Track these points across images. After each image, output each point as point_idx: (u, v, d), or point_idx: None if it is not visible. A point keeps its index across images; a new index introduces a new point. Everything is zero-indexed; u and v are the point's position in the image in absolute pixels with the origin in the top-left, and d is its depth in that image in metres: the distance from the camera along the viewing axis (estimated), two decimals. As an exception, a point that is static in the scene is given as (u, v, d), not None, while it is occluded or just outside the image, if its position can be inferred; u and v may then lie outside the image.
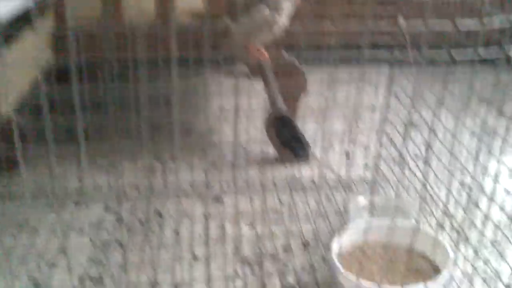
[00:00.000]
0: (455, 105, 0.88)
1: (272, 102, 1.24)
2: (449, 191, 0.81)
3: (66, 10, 1.16)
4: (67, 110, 0.73)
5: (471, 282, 0.86)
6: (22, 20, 0.88)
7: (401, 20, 1.13)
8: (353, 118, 1.44)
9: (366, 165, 1.26)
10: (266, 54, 1.26)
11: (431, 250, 0.85)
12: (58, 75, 1.24)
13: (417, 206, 0.99)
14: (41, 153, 1.25)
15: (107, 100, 0.91)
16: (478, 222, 0.91)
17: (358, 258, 0.86)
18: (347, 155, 1.30)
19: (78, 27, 1.11)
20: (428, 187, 1.03)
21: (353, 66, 1.04)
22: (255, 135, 1.37)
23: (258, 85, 1.53)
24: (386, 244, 0.88)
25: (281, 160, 1.29)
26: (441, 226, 0.96)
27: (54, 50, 1.14)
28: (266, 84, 1.26)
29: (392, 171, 1.15)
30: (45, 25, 1.06)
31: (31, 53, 0.94)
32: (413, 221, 0.94)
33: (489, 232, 0.94)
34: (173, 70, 0.73)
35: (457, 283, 0.86)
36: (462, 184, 1.02)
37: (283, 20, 1.19)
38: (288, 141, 1.25)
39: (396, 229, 0.86)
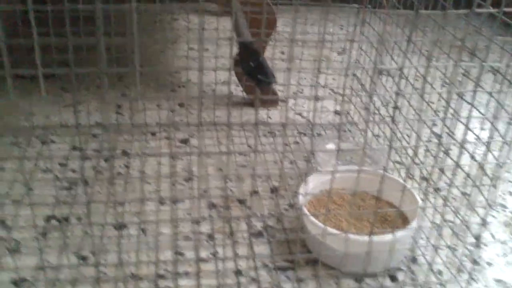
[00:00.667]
0: (426, 49, 0.88)
1: (239, 33, 1.21)
2: (418, 137, 0.81)
3: None
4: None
5: (439, 232, 0.88)
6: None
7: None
8: (323, 60, 1.43)
9: (336, 111, 1.26)
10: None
11: (399, 199, 0.86)
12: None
13: (386, 154, 1.00)
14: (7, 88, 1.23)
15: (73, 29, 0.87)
16: (448, 172, 0.92)
17: (326, 204, 0.87)
18: (316, 99, 1.30)
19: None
20: (398, 134, 1.04)
21: (323, 5, 1.02)
22: (223, 76, 1.36)
23: (228, 24, 1.50)
24: (354, 191, 0.89)
25: (249, 102, 1.28)
26: (410, 174, 0.97)
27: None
28: (234, 17, 1.23)
29: (362, 117, 1.15)
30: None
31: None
32: (382, 168, 0.95)
33: (459, 181, 0.96)
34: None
35: (425, 233, 0.88)
36: (432, 131, 1.02)
37: None
38: (253, 71, 1.20)
39: (364, 176, 0.87)
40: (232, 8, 1.22)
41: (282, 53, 1.54)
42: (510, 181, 1.05)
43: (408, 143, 1.03)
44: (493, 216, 0.95)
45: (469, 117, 0.71)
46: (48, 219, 0.89)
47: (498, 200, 0.99)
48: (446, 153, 0.90)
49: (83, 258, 0.81)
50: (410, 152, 1.05)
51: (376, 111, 1.15)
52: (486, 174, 0.76)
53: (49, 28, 0.94)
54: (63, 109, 1.21)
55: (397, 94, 0.89)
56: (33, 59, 0.69)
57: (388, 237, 0.74)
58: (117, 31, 0.87)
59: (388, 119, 1.09)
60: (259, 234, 0.88)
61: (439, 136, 0.90)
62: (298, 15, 0.98)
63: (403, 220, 0.84)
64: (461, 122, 0.76)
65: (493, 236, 0.90)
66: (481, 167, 0.73)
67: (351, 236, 0.74)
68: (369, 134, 1.12)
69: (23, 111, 1.19)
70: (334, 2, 1.29)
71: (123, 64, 1.38)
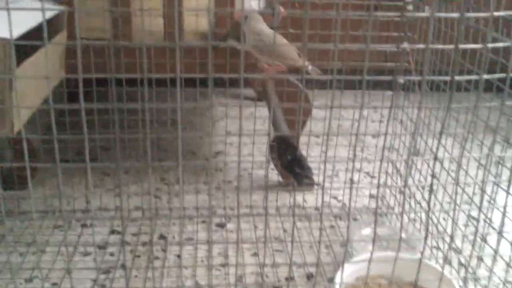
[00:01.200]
0: (460, 132, 0.88)
1: (276, 126, 1.25)
2: (455, 223, 0.81)
3: (76, 29, 1.18)
4: (77, 127, 0.74)
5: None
6: (36, 36, 0.89)
7: (405, 44, 1.14)
8: (358, 145, 1.44)
9: (371, 194, 1.27)
10: (273, 70, 1.26)
11: (437, 286, 0.85)
12: (69, 92, 1.26)
13: (422, 239, 0.99)
14: (51, 172, 1.27)
15: (115, 120, 0.91)
16: (487, 259, 0.91)
17: (362, 292, 0.86)
18: (352, 183, 1.31)
19: (87, 41, 1.13)
20: (434, 219, 1.03)
21: (357, 91, 1.05)
22: (260, 160, 1.38)
23: (264, 109, 1.54)
24: (390, 278, 0.88)
25: (284, 185, 1.30)
26: (447, 261, 0.96)
27: (64, 68, 1.16)
28: (271, 106, 1.27)
29: (397, 201, 1.15)
30: (59, 43, 1.07)
31: (44, 69, 0.95)
32: (418, 254, 0.94)
33: (499, 268, 0.94)
34: (179, 90, 0.74)
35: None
36: (469, 216, 1.02)
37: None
38: (290, 165, 1.25)
39: (400, 262, 0.86)
40: (270, 102, 1.26)
41: (317, 136, 1.57)
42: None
43: (444, 228, 1.02)
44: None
45: (505, 205, 0.71)
46: (86, 303, 0.90)
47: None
48: (484, 240, 0.89)
49: None
50: (447, 237, 1.04)
51: (412, 195, 1.15)
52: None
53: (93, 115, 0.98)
54: (104, 192, 1.25)
55: (432, 176, 0.89)
56: (78, 146, 0.73)
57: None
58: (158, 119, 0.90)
59: (424, 204, 1.09)
60: (294, 321, 0.87)
61: (476, 221, 0.89)
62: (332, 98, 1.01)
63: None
64: (498, 209, 0.76)
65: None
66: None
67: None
68: (405, 218, 1.11)
69: (65, 194, 1.22)
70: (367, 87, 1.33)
71: (161, 146, 1.42)
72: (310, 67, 1.21)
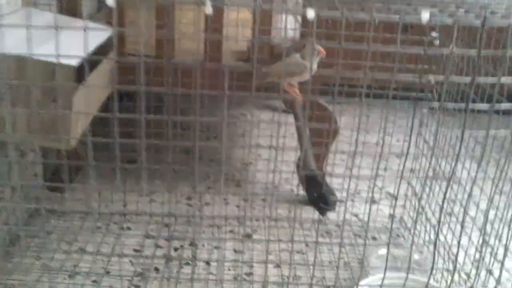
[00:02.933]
0: (476, 155, 0.94)
1: (304, 158, 1.34)
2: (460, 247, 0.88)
3: (125, 48, 1.27)
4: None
5: None
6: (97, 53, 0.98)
7: (430, 77, 1.21)
8: (381, 166, 1.51)
9: (390, 215, 1.34)
10: (298, 93, 1.34)
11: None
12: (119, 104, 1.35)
13: (431, 262, 1.06)
14: (94, 177, 1.37)
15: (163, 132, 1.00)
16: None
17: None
18: (372, 203, 1.38)
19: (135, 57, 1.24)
20: (445, 242, 1.10)
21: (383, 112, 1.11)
22: (286, 175, 1.46)
23: (292, 120, 1.62)
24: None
25: (306, 192, 1.38)
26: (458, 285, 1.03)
27: (113, 83, 1.25)
28: (300, 136, 1.35)
29: (415, 222, 1.22)
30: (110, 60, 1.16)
31: (96, 87, 1.05)
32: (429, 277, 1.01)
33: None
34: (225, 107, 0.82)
35: None
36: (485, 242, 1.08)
37: (312, 66, 1.29)
38: (316, 201, 1.35)
39: (411, 284, 0.94)
40: (302, 144, 1.34)
41: (342, 152, 1.64)
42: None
43: (452, 252, 1.09)
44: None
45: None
46: (122, 301, 1.00)
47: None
48: (490, 272, 0.95)
49: None
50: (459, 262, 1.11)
51: (427, 217, 1.22)
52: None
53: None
54: (140, 198, 1.34)
55: (443, 199, 0.96)
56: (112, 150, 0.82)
57: None
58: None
59: (434, 224, 1.16)
60: (311, 331, 0.95)
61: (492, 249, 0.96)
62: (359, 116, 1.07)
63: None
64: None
65: None
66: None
67: None
68: (421, 240, 1.18)
69: (104, 198, 1.32)
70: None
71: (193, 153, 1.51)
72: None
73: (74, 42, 0.75)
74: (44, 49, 0.77)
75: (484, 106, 0.80)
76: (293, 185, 1.45)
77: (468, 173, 1.03)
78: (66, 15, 1.21)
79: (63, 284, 1.02)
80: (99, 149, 0.85)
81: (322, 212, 1.33)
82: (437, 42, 1.17)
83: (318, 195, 1.33)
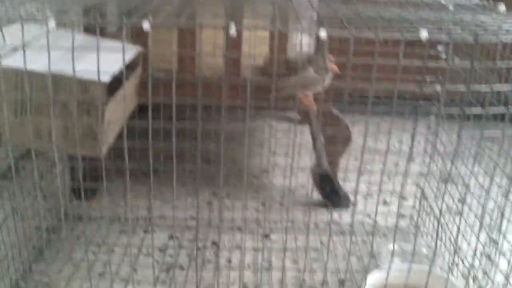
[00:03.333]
0: (486, 161, 1.01)
1: (318, 159, 1.42)
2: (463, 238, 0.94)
3: (149, 63, 1.36)
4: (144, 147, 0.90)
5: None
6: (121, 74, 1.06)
7: (438, 87, 1.28)
8: (393, 170, 1.59)
9: (401, 215, 1.41)
10: (313, 102, 1.42)
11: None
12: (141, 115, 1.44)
13: (438, 254, 1.13)
14: (117, 183, 1.46)
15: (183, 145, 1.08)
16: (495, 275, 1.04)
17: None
18: (384, 204, 1.45)
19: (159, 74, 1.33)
20: (453, 240, 1.16)
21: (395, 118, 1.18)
22: (302, 180, 1.54)
23: (307, 131, 1.69)
24: (409, 286, 1.03)
25: (324, 204, 1.45)
26: (465, 278, 1.08)
27: (139, 95, 1.33)
28: (314, 139, 1.43)
29: (424, 222, 1.29)
30: (136, 75, 1.25)
31: (128, 98, 1.13)
32: (438, 268, 1.07)
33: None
34: (246, 117, 0.90)
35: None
36: (492, 240, 1.14)
37: (326, 79, 1.36)
38: (329, 195, 1.42)
39: (419, 274, 1.00)
40: (316, 146, 1.42)
41: (356, 159, 1.71)
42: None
43: (456, 244, 1.15)
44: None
45: None
46: (150, 296, 1.07)
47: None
48: (493, 263, 1.01)
49: (179, 330, 0.98)
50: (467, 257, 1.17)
51: (435, 217, 1.28)
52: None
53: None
54: (163, 203, 1.42)
55: (442, 197, 1.02)
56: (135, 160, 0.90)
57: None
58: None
59: (450, 226, 1.22)
60: (327, 319, 1.02)
61: (496, 245, 1.02)
62: (370, 125, 1.14)
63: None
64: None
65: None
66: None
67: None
68: (429, 237, 1.25)
69: (129, 204, 1.40)
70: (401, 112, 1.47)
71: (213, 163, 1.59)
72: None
73: (104, 60, 0.83)
74: (78, 67, 0.86)
75: (477, 110, 0.87)
76: (308, 190, 1.52)
77: (470, 172, 1.09)
78: (92, 34, 1.30)
79: (94, 281, 1.10)
80: (123, 159, 0.93)
81: (336, 205, 1.40)
82: (443, 55, 1.24)
83: (331, 190, 1.41)
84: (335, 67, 1.32)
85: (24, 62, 0.81)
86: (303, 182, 1.54)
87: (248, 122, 0.99)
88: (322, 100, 1.43)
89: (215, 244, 1.26)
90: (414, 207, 1.34)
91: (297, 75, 1.36)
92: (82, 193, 1.37)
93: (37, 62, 0.88)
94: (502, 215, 0.87)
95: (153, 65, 1.40)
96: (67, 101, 0.92)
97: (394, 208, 1.43)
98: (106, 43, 1.05)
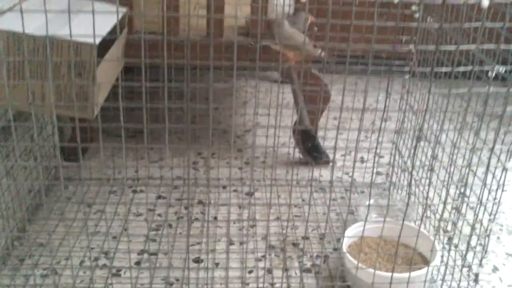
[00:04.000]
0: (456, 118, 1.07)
1: (301, 121, 1.47)
2: (444, 199, 1.01)
3: (134, 25, 1.39)
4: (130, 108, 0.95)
5: (451, 272, 1.07)
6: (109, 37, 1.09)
7: (412, 47, 1.33)
8: (369, 128, 1.65)
9: (377, 172, 1.48)
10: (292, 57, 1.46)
11: (426, 249, 1.06)
12: (125, 76, 1.48)
13: (415, 209, 1.20)
14: (106, 146, 1.51)
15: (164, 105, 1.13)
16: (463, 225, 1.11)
17: (363, 249, 1.07)
18: (362, 161, 1.52)
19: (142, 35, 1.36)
20: (426, 193, 1.23)
21: (372, 77, 1.24)
22: (283, 139, 1.59)
23: (288, 93, 1.74)
24: (387, 239, 1.10)
25: (304, 162, 1.51)
26: (436, 229, 1.16)
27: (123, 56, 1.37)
28: (296, 98, 1.48)
29: (399, 178, 1.35)
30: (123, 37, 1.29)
31: (115, 63, 1.17)
32: (411, 222, 1.15)
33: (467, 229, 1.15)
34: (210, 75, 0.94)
35: (441, 274, 1.07)
36: (461, 193, 1.21)
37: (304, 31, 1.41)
38: (310, 150, 1.47)
39: (393, 226, 1.07)
40: (298, 104, 1.47)
41: (335, 118, 1.77)
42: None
43: (426, 195, 1.22)
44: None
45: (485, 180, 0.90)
46: (141, 252, 1.13)
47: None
48: (459, 211, 1.08)
49: (170, 284, 1.04)
50: (438, 210, 1.24)
51: (409, 173, 1.35)
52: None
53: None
54: (150, 164, 1.47)
55: (415, 148, 1.08)
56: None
57: (406, 274, 0.94)
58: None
59: (423, 181, 1.29)
60: (308, 270, 1.09)
61: (463, 197, 1.08)
62: (348, 84, 1.18)
63: (425, 264, 1.04)
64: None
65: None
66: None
67: (377, 271, 0.95)
68: (403, 193, 1.32)
69: (118, 165, 1.45)
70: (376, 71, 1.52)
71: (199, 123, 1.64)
72: (323, 54, 1.41)
73: (92, 23, 0.86)
74: (67, 30, 0.89)
75: (446, 69, 0.92)
76: (290, 148, 1.58)
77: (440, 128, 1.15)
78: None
79: (85, 241, 1.15)
80: (110, 121, 0.98)
81: (316, 160, 1.47)
82: (417, 15, 1.29)
83: (311, 146, 1.46)
84: (312, 18, 1.36)
85: (22, 24, 0.84)
86: (285, 141, 1.60)
87: (229, 83, 1.03)
88: (302, 60, 1.47)
89: (201, 202, 1.32)
90: (389, 164, 1.40)
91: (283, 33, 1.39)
92: (77, 153, 1.42)
93: (26, 25, 0.91)
94: (469, 169, 0.93)
95: (138, 28, 1.44)
96: (58, 64, 0.96)
97: (371, 165, 1.50)
98: (92, 5, 1.08)
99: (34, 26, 0.94)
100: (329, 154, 1.51)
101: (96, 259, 1.10)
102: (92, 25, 0.82)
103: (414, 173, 1.36)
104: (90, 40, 0.91)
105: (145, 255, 1.12)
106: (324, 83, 1.46)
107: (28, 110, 0.97)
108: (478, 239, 1.01)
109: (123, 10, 1.21)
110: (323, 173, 1.47)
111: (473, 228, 1.00)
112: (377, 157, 1.53)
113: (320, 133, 1.51)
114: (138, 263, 1.10)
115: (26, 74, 0.94)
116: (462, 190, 1.01)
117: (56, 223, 1.21)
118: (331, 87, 1.51)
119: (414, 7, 1.29)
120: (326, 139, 1.54)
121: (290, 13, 1.59)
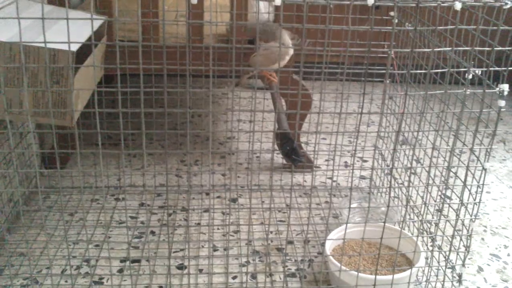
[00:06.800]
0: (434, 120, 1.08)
1: (280, 125, 1.47)
2: (424, 201, 1.01)
3: (114, 33, 1.39)
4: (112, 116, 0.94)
5: (436, 274, 1.07)
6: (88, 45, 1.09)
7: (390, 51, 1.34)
8: (353, 134, 1.65)
9: (361, 176, 1.48)
10: (275, 78, 1.46)
11: (410, 251, 1.06)
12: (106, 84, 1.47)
13: (398, 212, 1.20)
14: (88, 155, 1.49)
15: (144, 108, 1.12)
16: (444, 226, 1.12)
17: (347, 252, 1.07)
18: (346, 166, 1.52)
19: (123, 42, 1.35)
20: (409, 196, 1.24)
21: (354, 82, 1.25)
22: (266, 145, 1.59)
23: (270, 100, 1.74)
24: (371, 242, 1.09)
25: (288, 167, 1.51)
26: (419, 231, 1.16)
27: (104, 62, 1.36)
28: (275, 103, 1.48)
29: (382, 181, 1.36)
30: (102, 45, 1.28)
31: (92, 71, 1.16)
32: (396, 225, 1.15)
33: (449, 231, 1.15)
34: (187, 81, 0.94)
35: (425, 275, 1.07)
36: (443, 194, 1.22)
37: (289, 52, 1.41)
38: (289, 153, 1.46)
39: (379, 230, 1.07)
40: (276, 107, 1.47)
41: (320, 124, 1.77)
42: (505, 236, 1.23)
43: (415, 205, 1.22)
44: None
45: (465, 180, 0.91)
46: (123, 260, 1.12)
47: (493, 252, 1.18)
48: (440, 211, 1.09)
49: (153, 291, 1.03)
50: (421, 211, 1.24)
51: (396, 176, 1.35)
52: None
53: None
54: (133, 172, 1.46)
55: (393, 152, 1.09)
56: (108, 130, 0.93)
57: (389, 276, 0.94)
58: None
59: (405, 183, 1.29)
60: (293, 275, 1.08)
61: (444, 198, 1.08)
62: (331, 90, 1.18)
63: (410, 265, 1.03)
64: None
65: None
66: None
67: (360, 274, 0.94)
68: (387, 196, 1.32)
69: (99, 173, 1.44)
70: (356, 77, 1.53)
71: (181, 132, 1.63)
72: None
73: (71, 30, 0.86)
74: (46, 37, 0.89)
75: (422, 71, 0.93)
76: (273, 154, 1.58)
77: (420, 130, 1.15)
78: (54, 5, 1.32)
79: (67, 250, 1.14)
80: (90, 129, 0.97)
81: (295, 163, 1.46)
82: (395, 20, 1.29)
83: (290, 149, 1.45)
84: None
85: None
86: (268, 147, 1.60)
87: (212, 89, 1.03)
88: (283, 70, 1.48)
89: (184, 209, 1.31)
90: (372, 167, 1.41)
91: (261, 52, 1.40)
92: (57, 161, 1.40)
93: (2, 33, 0.90)
94: (449, 170, 0.94)
95: (119, 36, 1.43)
96: (36, 71, 0.95)
97: (355, 171, 1.50)
98: (71, 13, 1.08)
99: (11, 33, 0.94)
100: (313, 158, 1.51)
101: (78, 267, 1.09)
102: (70, 33, 0.81)
103: (397, 175, 1.36)
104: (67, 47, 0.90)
105: (127, 263, 1.11)
106: (305, 88, 1.46)
107: (4, 118, 0.96)
108: (461, 239, 1.01)
109: (102, 18, 1.20)
110: (307, 178, 1.47)
111: (455, 228, 1.00)
112: (361, 161, 1.54)
113: (303, 139, 1.51)
114: (121, 270, 1.09)
115: (1, 82, 0.93)
116: (444, 191, 1.01)
117: (37, 232, 1.19)
118: (312, 93, 1.51)
119: (392, 13, 1.30)
120: (310, 145, 1.54)
121: (270, 23, 1.60)
